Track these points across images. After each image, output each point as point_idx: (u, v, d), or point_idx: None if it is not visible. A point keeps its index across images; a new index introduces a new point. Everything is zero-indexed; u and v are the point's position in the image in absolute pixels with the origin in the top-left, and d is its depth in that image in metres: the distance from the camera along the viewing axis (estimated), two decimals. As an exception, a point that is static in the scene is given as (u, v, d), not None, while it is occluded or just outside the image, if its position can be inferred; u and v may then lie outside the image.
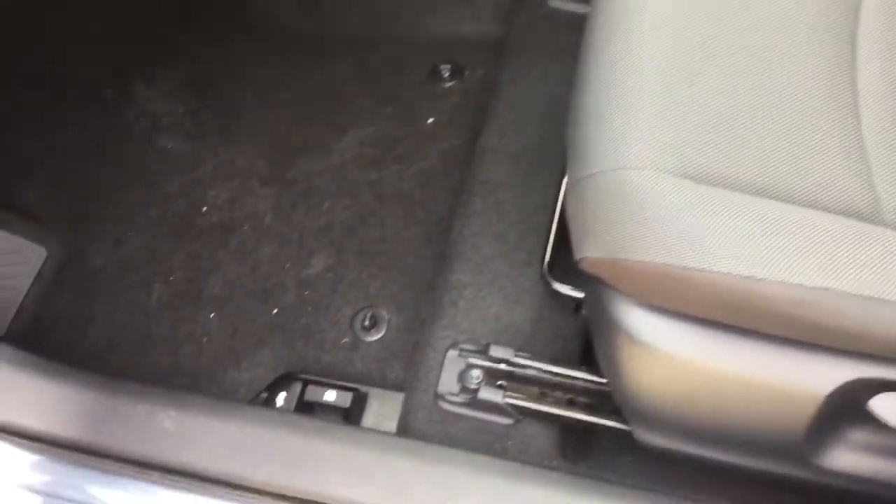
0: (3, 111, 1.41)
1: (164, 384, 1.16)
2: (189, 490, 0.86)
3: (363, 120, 1.40)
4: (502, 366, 1.03)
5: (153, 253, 1.30)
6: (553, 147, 1.22)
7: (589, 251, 0.81)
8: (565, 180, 1.13)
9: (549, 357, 1.06)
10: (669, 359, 0.80)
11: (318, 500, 0.85)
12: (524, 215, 1.17)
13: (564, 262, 1.09)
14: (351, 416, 1.11)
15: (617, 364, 0.84)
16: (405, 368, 1.15)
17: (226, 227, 1.32)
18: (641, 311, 0.80)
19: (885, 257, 0.69)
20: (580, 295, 1.04)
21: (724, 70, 0.81)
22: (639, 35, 0.83)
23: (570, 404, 1.02)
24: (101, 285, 1.28)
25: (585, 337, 1.09)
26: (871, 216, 0.73)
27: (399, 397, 1.10)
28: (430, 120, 1.39)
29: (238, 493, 0.86)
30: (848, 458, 0.84)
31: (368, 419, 1.11)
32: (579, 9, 1.33)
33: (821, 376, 0.76)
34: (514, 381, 1.03)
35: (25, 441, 0.89)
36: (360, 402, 1.13)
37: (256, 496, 0.86)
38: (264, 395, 1.15)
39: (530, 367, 1.03)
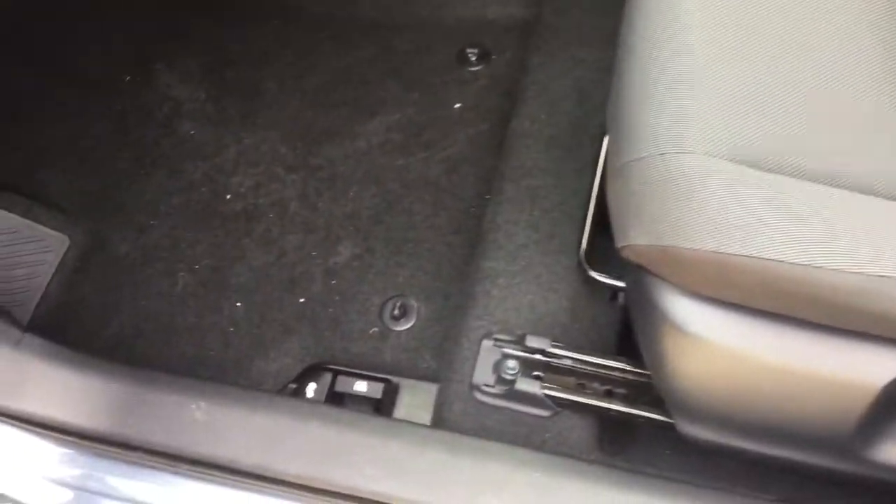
0: (23, 99, 1.39)
1: (192, 374, 1.14)
2: (220, 482, 0.85)
3: (389, 105, 1.37)
4: (538, 356, 1.01)
5: (177, 241, 1.28)
6: (586, 131, 1.20)
7: (634, 238, 0.79)
8: (600, 165, 1.11)
9: (584, 346, 1.04)
10: (718, 349, 0.78)
11: (353, 493, 0.83)
12: (558, 201, 1.14)
13: (600, 250, 1.07)
14: (382, 407, 1.09)
15: (662, 355, 0.82)
16: (436, 359, 1.13)
17: (250, 215, 1.29)
18: (689, 301, 0.78)
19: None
20: (618, 283, 1.01)
21: (772, 52, 0.79)
22: (686, 16, 0.81)
23: (608, 395, 0.99)
24: (124, 274, 1.26)
25: (622, 326, 1.06)
26: (929, 202, 0.71)
27: (431, 388, 1.08)
28: (458, 105, 1.37)
29: (270, 485, 0.84)
30: (901, 451, 0.82)
31: (400, 410, 1.09)
32: (610, -10, 1.31)
33: (876, 367, 0.74)
34: (551, 371, 1.01)
35: (53, 433, 0.87)
36: (391, 393, 1.10)
37: (289, 489, 0.84)
38: (293, 385, 1.13)
39: (567, 357, 1.01)
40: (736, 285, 0.74)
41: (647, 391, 0.98)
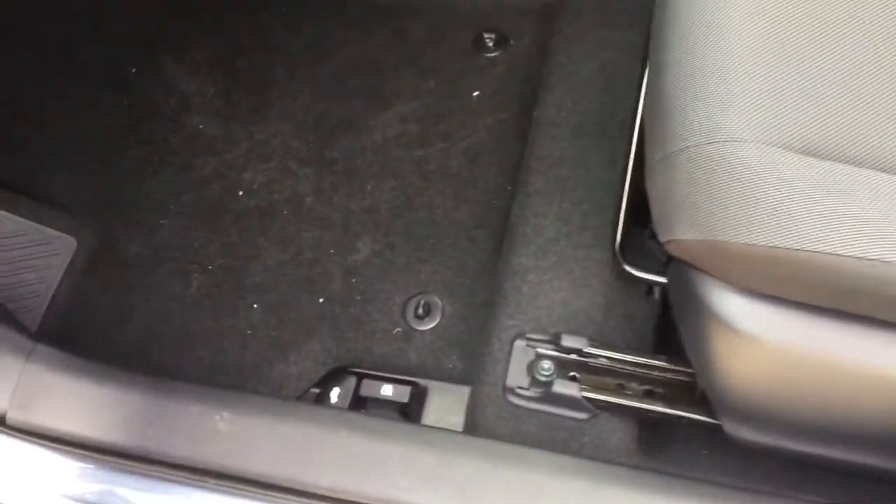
0: (23, 94, 1.34)
1: (210, 381, 1.10)
2: (249, 496, 0.81)
3: (404, 95, 1.32)
4: (574, 356, 0.96)
5: (189, 240, 1.23)
6: (614, 118, 1.15)
7: (680, 233, 0.74)
8: (632, 154, 1.06)
9: (620, 344, 0.99)
10: (771, 348, 0.74)
11: (387, 506, 0.79)
12: (588, 193, 1.09)
13: (634, 243, 1.02)
14: (410, 411, 1.04)
15: (711, 354, 0.78)
16: (463, 359, 1.08)
17: (264, 212, 1.25)
18: (739, 298, 0.75)
19: None
20: (655, 278, 0.97)
21: (821, 37, 0.75)
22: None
23: (649, 396, 0.95)
24: (135, 276, 1.21)
25: (658, 322, 1.02)
26: None
27: (460, 390, 1.04)
28: (476, 93, 1.32)
29: (302, 498, 0.80)
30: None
31: (429, 415, 1.04)
32: (634, -30, 1.25)
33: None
34: (587, 371, 0.96)
35: (69, 448, 0.83)
36: (419, 396, 1.06)
37: (319, 503, 0.80)
38: (316, 390, 1.08)
39: (604, 356, 0.96)
40: (795, 281, 0.70)
41: (689, 391, 0.94)
